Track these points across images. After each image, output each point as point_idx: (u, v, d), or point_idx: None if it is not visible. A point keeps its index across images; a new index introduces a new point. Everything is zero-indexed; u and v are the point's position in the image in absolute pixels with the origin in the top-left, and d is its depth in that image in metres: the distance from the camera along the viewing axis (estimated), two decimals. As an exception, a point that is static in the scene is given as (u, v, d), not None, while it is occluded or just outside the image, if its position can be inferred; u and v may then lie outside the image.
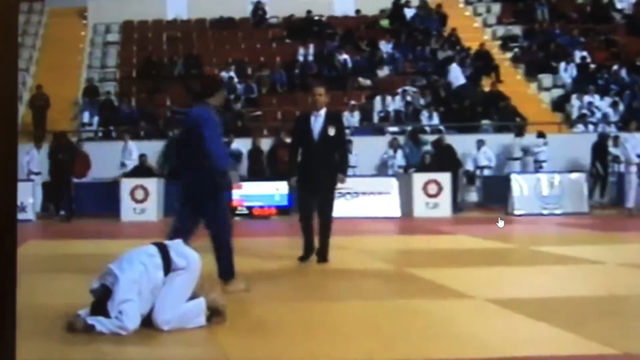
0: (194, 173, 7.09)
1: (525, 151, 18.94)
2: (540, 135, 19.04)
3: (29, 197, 16.64)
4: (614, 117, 21.25)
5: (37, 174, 17.58)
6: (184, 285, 5.50)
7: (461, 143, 18.76)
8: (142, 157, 17.82)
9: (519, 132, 19.31)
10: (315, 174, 8.76)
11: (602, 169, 18.52)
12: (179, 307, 5.41)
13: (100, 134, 21.06)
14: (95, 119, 21.15)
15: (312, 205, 8.92)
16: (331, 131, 8.78)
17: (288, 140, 18.90)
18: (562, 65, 23.10)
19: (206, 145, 6.88)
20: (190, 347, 5.12)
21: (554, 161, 18.82)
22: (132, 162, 18.00)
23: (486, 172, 19.01)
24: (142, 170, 17.47)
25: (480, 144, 19.09)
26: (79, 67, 24.14)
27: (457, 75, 22.07)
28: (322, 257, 8.94)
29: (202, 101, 7.22)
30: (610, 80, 22.54)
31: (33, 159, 17.68)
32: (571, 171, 17.90)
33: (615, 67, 22.89)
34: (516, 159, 19.16)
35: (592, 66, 23.18)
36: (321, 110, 8.85)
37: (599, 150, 18.56)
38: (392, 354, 4.82)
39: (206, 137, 6.88)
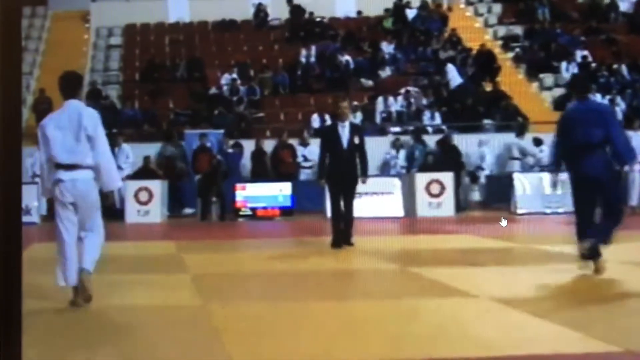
0: None
1: (524, 153, 18.88)
2: (538, 142, 18.87)
3: (33, 200, 16.68)
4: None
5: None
6: None
7: (463, 143, 18.75)
8: (146, 159, 17.85)
9: (520, 131, 19.28)
10: (344, 175, 10.49)
11: None
12: None
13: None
14: (99, 122, 21.14)
15: (340, 201, 10.60)
16: (356, 139, 10.55)
17: (290, 141, 19.07)
18: (564, 64, 23.09)
19: None
20: (192, 347, 5.10)
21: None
22: (128, 165, 17.95)
23: (485, 172, 19.01)
24: (145, 172, 17.50)
25: (479, 144, 19.12)
26: (82, 70, 24.09)
27: (454, 76, 22.07)
28: (348, 241, 10.58)
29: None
30: (611, 80, 22.51)
31: (37, 162, 17.70)
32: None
33: (615, 66, 22.86)
34: (516, 158, 19.12)
35: (593, 65, 23.15)
36: (346, 122, 10.63)
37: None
38: (396, 353, 4.82)
39: None
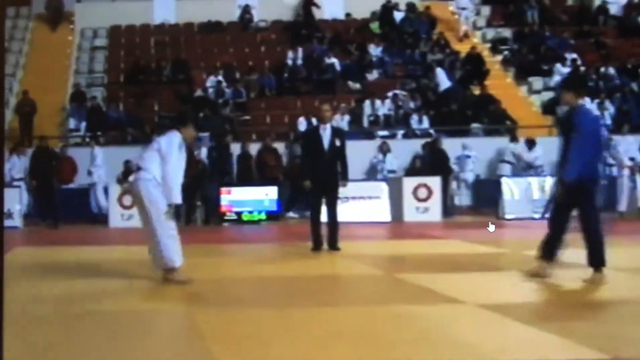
0: None
1: (518, 159, 18.80)
2: (531, 143, 18.78)
3: (16, 204, 16.54)
4: (603, 120, 21.18)
5: (20, 180, 17.40)
6: None
7: (451, 147, 18.64)
8: (127, 163, 17.66)
9: (513, 137, 19.20)
10: (325, 177, 10.58)
11: None
12: None
13: (87, 140, 20.85)
14: (83, 125, 20.97)
15: (321, 204, 10.74)
16: (337, 142, 10.67)
17: (275, 145, 18.95)
18: (558, 66, 23.01)
19: None
20: (177, 353, 5.13)
21: (543, 165, 18.73)
22: (96, 169, 17.71)
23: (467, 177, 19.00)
24: (128, 175, 17.29)
25: (463, 148, 19.07)
26: (66, 72, 23.98)
27: (442, 79, 22.02)
28: (334, 246, 10.67)
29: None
30: (600, 83, 22.48)
31: (15, 166, 17.51)
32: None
33: (603, 69, 22.84)
34: (507, 162, 19.03)
35: (582, 69, 23.12)
36: (327, 124, 10.78)
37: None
38: None
39: None
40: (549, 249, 7.82)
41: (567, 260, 9.51)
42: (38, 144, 17.86)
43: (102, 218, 17.20)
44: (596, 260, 7.64)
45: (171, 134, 7.97)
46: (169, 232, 7.80)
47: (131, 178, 8.25)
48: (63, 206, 17.26)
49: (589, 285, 7.56)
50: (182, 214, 16.07)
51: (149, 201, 7.80)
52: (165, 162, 7.75)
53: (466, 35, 25.15)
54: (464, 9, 26.10)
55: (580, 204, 7.64)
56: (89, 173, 17.89)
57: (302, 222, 15.87)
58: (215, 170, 17.94)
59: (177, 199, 7.77)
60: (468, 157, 18.98)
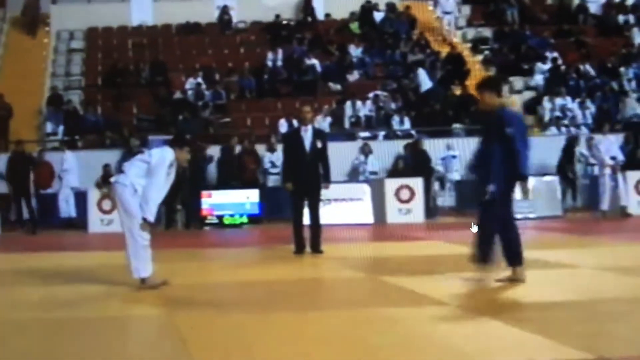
0: None
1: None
2: None
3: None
4: (583, 119, 21.19)
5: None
6: None
7: (432, 147, 18.53)
8: (106, 167, 17.42)
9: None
10: (306, 179, 10.54)
11: (572, 172, 18.40)
12: None
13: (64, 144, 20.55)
14: (60, 128, 20.68)
15: (303, 207, 10.68)
16: (319, 144, 10.65)
17: (257, 146, 18.73)
18: (539, 65, 22.98)
19: None
20: (159, 358, 5.14)
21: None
22: (64, 174, 17.39)
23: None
24: (107, 180, 17.04)
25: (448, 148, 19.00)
26: (43, 75, 23.64)
27: (424, 80, 21.92)
28: (317, 249, 10.64)
29: None
30: (580, 82, 22.48)
31: None
32: (544, 174, 17.76)
33: (582, 67, 22.85)
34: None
35: (563, 68, 23.12)
36: (309, 126, 10.79)
37: (568, 153, 18.43)
38: None
39: None
40: (486, 251, 7.63)
41: (547, 259, 9.51)
42: (14, 149, 17.55)
43: (79, 223, 16.92)
44: (508, 258, 7.57)
45: (165, 150, 7.88)
46: (141, 243, 7.70)
47: (112, 179, 8.15)
48: (41, 212, 17.01)
49: (571, 283, 7.49)
50: (162, 218, 15.88)
51: (124, 209, 7.76)
52: (152, 175, 7.65)
53: (449, 43, 24.86)
54: (448, 13, 25.84)
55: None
56: (59, 178, 17.60)
57: (284, 226, 15.77)
58: (192, 175, 17.69)
59: (151, 216, 7.63)
60: (454, 157, 18.90)
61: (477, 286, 7.56)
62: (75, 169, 17.56)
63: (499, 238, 7.58)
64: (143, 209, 7.58)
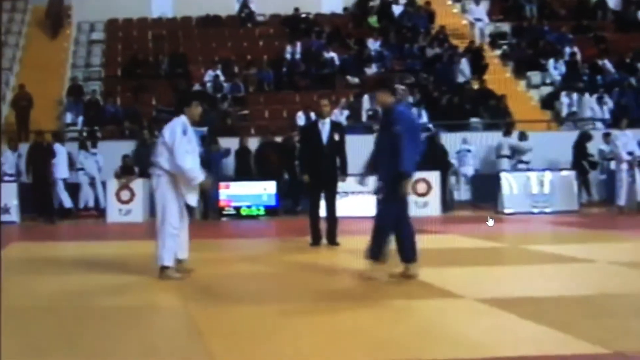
0: None
1: (514, 151, 18.70)
2: (523, 136, 18.68)
3: (13, 199, 16.44)
4: (601, 115, 21.11)
5: (12, 175, 17.21)
6: None
7: (448, 141, 18.54)
8: (125, 157, 17.56)
9: (507, 131, 19.10)
10: (324, 171, 10.60)
11: (584, 167, 18.36)
12: None
13: (84, 134, 20.73)
14: (80, 119, 20.85)
15: (320, 199, 10.74)
16: (336, 137, 10.72)
17: (277, 139, 18.80)
18: (551, 62, 22.95)
19: None
20: (174, 348, 5.11)
21: (543, 159, 18.66)
22: (58, 165, 17.25)
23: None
24: (126, 170, 17.21)
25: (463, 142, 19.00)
26: (63, 65, 23.83)
27: (465, 71, 21.99)
28: (333, 241, 10.69)
29: None
30: (598, 78, 22.39)
31: (8, 161, 17.33)
32: (561, 169, 17.76)
33: (601, 63, 22.74)
34: (506, 156, 18.93)
35: (582, 63, 23.04)
36: (327, 119, 10.85)
37: (580, 148, 18.39)
38: (381, 355, 4.81)
39: None
40: (379, 247, 7.67)
41: (563, 254, 9.53)
42: (35, 139, 17.72)
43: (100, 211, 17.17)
44: (404, 255, 7.64)
45: (173, 122, 7.95)
46: (170, 231, 7.78)
47: (150, 171, 8.29)
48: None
49: (587, 278, 7.51)
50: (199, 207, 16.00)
51: (157, 199, 7.95)
52: (172, 152, 7.73)
53: (480, 48, 24.49)
54: (479, 20, 25.44)
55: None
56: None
57: (301, 217, 15.85)
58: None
59: (197, 179, 7.81)
60: (468, 151, 18.91)
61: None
62: (64, 160, 17.44)
63: (393, 234, 7.63)
64: (188, 181, 7.75)
